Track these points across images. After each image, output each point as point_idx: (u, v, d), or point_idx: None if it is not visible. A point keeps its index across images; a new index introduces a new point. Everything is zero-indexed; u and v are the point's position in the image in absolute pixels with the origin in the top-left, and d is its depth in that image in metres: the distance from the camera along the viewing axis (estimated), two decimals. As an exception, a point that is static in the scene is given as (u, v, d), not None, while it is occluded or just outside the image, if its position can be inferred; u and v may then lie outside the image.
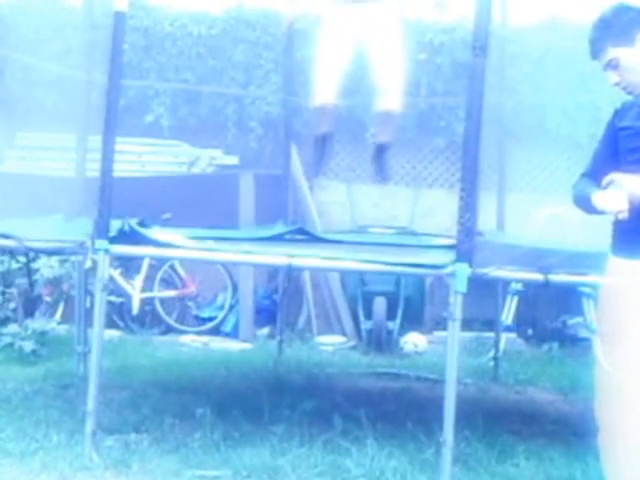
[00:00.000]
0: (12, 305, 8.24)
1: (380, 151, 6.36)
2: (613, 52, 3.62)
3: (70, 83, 8.61)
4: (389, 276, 8.34)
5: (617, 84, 3.66)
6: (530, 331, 9.04)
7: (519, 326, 8.99)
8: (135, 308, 9.06)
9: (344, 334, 9.11)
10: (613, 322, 3.58)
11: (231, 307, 9.31)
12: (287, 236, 6.66)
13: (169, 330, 9.20)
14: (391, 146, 6.40)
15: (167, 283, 9.30)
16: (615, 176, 3.54)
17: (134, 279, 9.09)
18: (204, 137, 10.00)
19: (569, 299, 8.48)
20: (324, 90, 6.16)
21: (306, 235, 6.83)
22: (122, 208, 4.98)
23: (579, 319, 8.67)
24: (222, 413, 5.40)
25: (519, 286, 8.53)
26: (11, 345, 7.44)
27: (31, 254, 7.56)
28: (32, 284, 8.13)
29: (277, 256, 5.04)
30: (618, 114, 3.73)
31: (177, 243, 5.08)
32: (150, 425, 5.24)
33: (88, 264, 4.87)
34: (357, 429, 5.18)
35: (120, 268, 8.99)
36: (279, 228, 7.05)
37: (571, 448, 5.04)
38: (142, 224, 5.26)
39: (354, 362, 7.98)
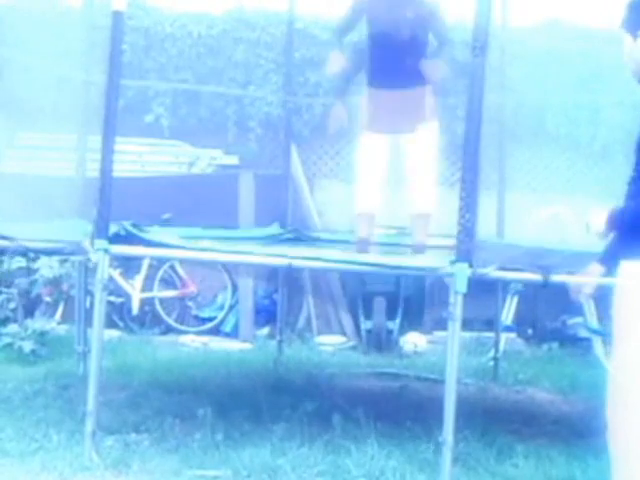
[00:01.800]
0: (12, 305, 8.24)
1: (417, 252, 6.49)
2: None
3: (70, 83, 8.62)
4: (389, 276, 8.34)
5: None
6: (530, 331, 9.04)
7: (519, 326, 8.99)
8: (135, 308, 9.08)
9: (344, 334, 9.11)
10: (626, 324, 3.58)
11: (231, 307, 9.32)
12: (285, 236, 6.66)
13: (169, 330, 9.20)
14: (426, 246, 6.58)
15: (167, 283, 9.30)
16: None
17: (134, 279, 9.10)
18: (204, 137, 10.00)
19: (569, 299, 8.49)
20: (365, 200, 6.46)
21: (302, 236, 6.85)
22: (122, 208, 4.98)
23: (579, 319, 8.69)
24: (222, 413, 5.40)
25: (519, 286, 8.53)
26: (11, 345, 7.44)
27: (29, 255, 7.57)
28: None
29: (277, 256, 5.04)
30: None
31: (175, 243, 5.08)
32: (150, 425, 5.24)
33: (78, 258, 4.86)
34: (357, 429, 5.18)
35: (120, 268, 8.99)
36: (275, 229, 7.06)
37: (571, 448, 5.05)
38: (136, 226, 5.25)
39: (354, 362, 7.98)
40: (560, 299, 8.43)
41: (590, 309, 8.34)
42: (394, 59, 6.27)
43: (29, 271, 8.07)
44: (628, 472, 3.52)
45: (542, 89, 9.60)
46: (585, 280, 3.83)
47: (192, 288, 9.31)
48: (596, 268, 3.79)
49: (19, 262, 8.14)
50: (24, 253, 7.31)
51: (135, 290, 9.08)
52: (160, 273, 9.20)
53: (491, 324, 7.75)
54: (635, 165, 3.67)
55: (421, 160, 6.34)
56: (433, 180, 6.44)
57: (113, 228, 4.85)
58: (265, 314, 9.20)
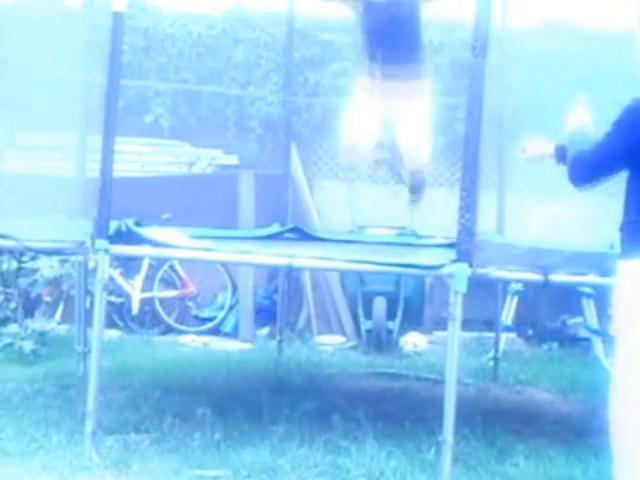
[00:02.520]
0: (12, 305, 8.24)
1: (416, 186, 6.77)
2: None
3: (70, 83, 8.62)
4: (389, 276, 8.34)
5: None
6: (530, 331, 9.04)
7: (519, 326, 8.99)
8: (135, 308, 9.08)
9: (344, 334, 9.11)
10: (626, 324, 3.58)
11: (231, 307, 9.31)
12: (285, 235, 6.66)
13: (169, 330, 9.20)
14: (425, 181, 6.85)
15: (167, 283, 9.30)
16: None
17: (134, 279, 9.10)
18: (204, 137, 10.00)
19: (569, 299, 8.51)
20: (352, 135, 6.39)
21: (302, 234, 6.85)
22: (122, 208, 4.98)
23: (579, 319, 8.69)
24: (222, 413, 5.40)
25: (519, 286, 8.53)
26: (11, 345, 7.44)
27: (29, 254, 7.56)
28: None
29: (277, 256, 5.04)
30: None
31: (175, 242, 5.08)
32: (150, 425, 5.24)
33: (92, 264, 4.87)
34: (357, 429, 5.18)
35: (120, 268, 8.99)
36: (275, 228, 7.06)
37: (571, 448, 5.05)
38: (138, 224, 5.26)
39: (354, 362, 7.98)
40: (560, 299, 8.52)
41: (590, 309, 8.36)
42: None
43: (21, 270, 8.05)
44: (629, 471, 3.53)
45: (541, 89, 9.60)
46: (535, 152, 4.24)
47: (192, 288, 9.31)
48: (549, 147, 4.16)
49: (18, 262, 8.13)
50: (23, 253, 7.31)
51: (135, 290, 9.08)
52: (160, 273, 9.20)
53: (491, 324, 7.75)
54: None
55: (414, 124, 6.34)
56: (426, 142, 6.49)
57: (114, 225, 4.85)
58: (265, 314, 9.20)
